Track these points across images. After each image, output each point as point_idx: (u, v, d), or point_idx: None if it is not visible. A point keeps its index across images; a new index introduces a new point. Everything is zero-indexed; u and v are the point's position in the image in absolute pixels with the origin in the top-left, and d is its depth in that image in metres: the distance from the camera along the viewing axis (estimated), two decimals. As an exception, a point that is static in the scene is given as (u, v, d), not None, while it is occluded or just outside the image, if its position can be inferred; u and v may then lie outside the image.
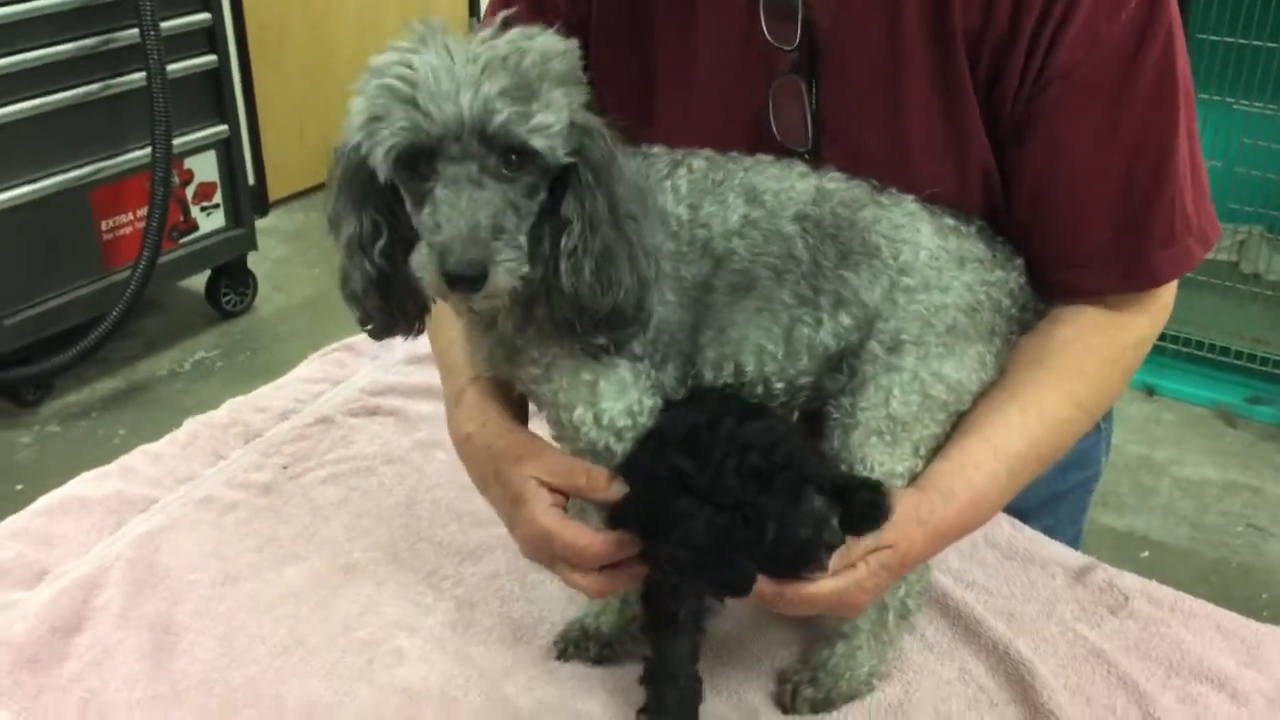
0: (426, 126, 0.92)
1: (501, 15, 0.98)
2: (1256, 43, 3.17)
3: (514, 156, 0.94)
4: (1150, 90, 1.08)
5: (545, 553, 1.10)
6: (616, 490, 1.08)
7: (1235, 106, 3.25)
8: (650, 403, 1.08)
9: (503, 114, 0.92)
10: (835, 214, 1.10)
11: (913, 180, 1.14)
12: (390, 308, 1.05)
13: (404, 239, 1.01)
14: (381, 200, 1.00)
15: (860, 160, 1.15)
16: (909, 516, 1.06)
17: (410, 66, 0.93)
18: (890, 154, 1.15)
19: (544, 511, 1.08)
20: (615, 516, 1.09)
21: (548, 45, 0.97)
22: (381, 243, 1.02)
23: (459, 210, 0.92)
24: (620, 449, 1.08)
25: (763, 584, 1.02)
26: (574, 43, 0.99)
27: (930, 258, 1.11)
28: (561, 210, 0.99)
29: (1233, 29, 3.17)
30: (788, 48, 1.15)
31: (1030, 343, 1.17)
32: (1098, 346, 1.16)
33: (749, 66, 1.17)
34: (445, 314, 1.19)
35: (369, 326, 1.08)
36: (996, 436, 1.11)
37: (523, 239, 0.95)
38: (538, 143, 0.94)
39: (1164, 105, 1.10)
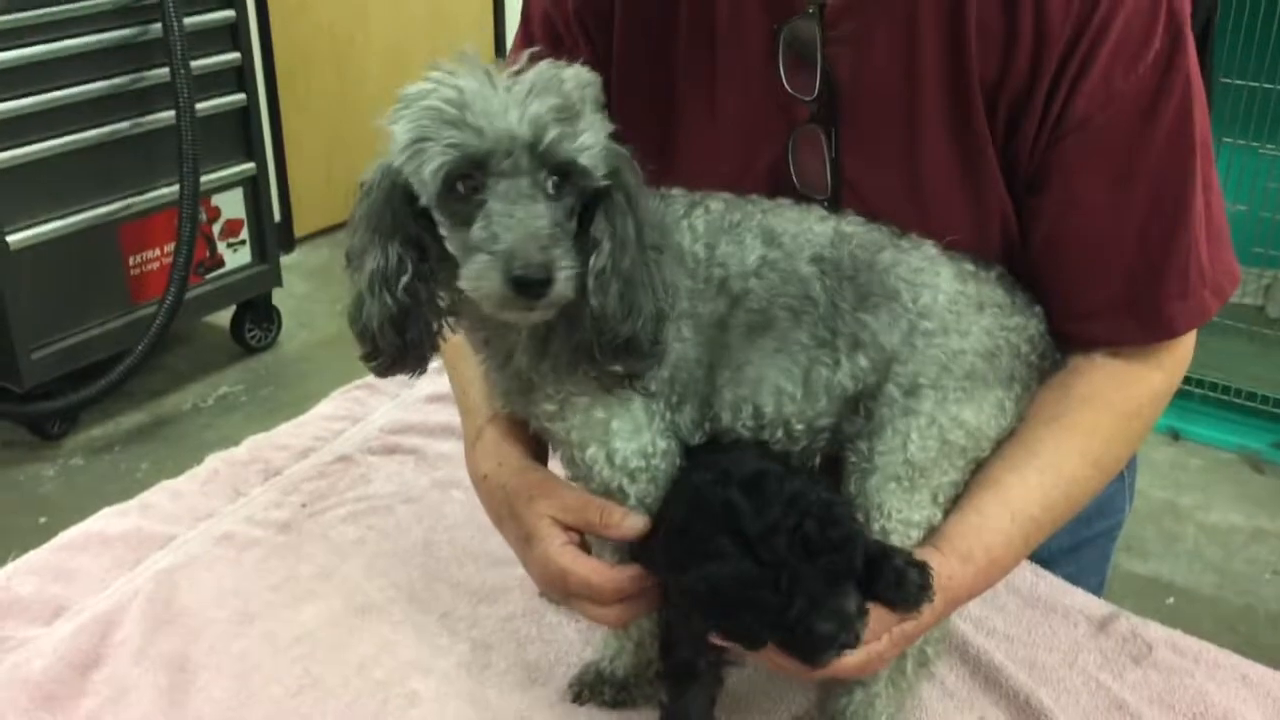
0: (478, 144, 0.93)
1: (528, 52, 1.00)
2: (1280, 87, 3.17)
3: (558, 177, 0.96)
4: (1167, 142, 1.08)
5: (560, 590, 1.10)
6: (630, 526, 1.08)
7: (1261, 151, 3.24)
8: (664, 444, 1.08)
9: (553, 131, 0.94)
10: (854, 256, 1.10)
11: (931, 228, 1.14)
12: (404, 344, 1.04)
13: (428, 274, 1.02)
14: (408, 234, 1.00)
15: (879, 208, 1.15)
16: (941, 571, 1.04)
17: (456, 89, 0.94)
18: (908, 202, 1.15)
19: (558, 550, 1.08)
20: (640, 546, 1.08)
21: (581, 74, 0.99)
22: (406, 278, 1.01)
23: (519, 220, 0.93)
24: (634, 490, 1.08)
25: (772, 651, 1.00)
26: (599, 76, 1.01)
27: (949, 302, 1.10)
28: (592, 231, 0.99)
29: (1257, 74, 3.17)
30: (807, 98, 1.15)
31: (1048, 397, 1.16)
32: (1116, 403, 1.15)
33: (768, 116, 1.18)
34: (462, 354, 1.20)
35: (375, 363, 1.07)
36: (1014, 499, 1.10)
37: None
38: (585, 160, 0.96)
39: (1180, 157, 1.09)
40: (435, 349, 1.08)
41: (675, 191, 1.13)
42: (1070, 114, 1.08)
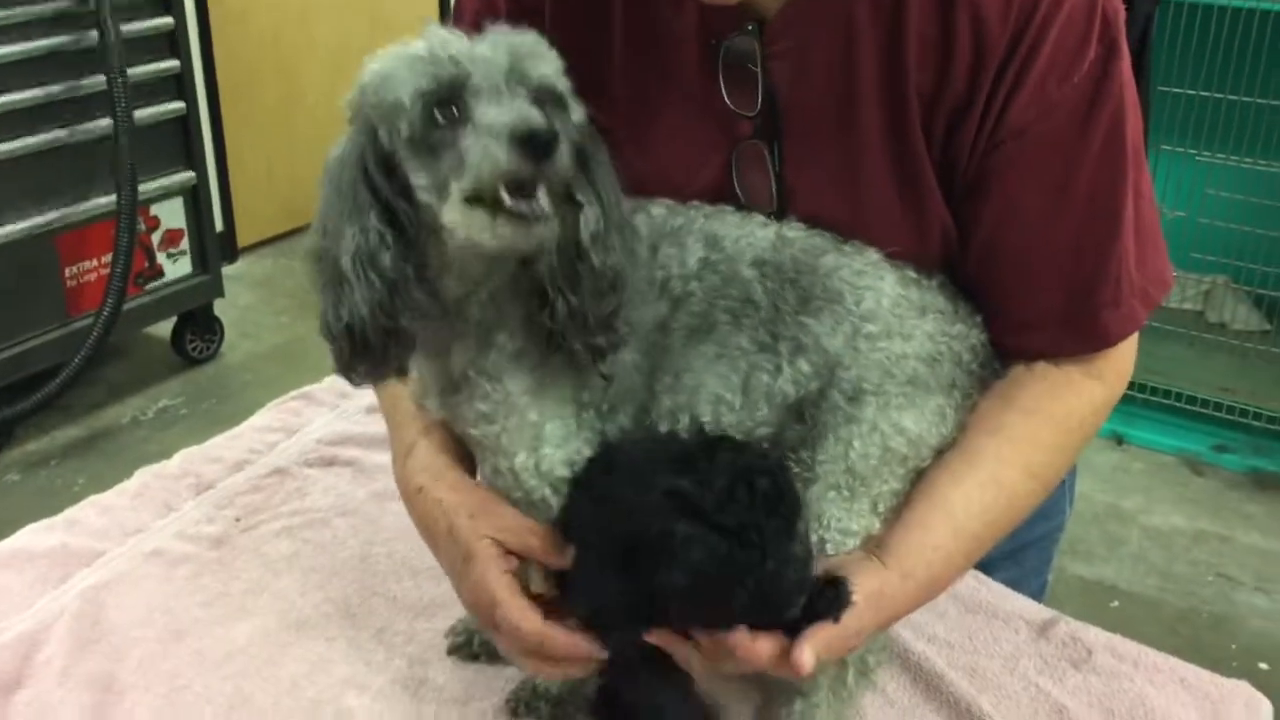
0: (454, 70, 0.93)
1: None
2: (1218, 95, 3.21)
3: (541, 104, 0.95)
4: (1101, 151, 1.08)
5: (486, 619, 1.07)
6: (569, 557, 1.05)
7: (1198, 158, 3.28)
8: (589, 454, 1.07)
9: (530, 57, 0.95)
10: (796, 260, 1.09)
11: (873, 239, 1.14)
12: (396, 331, 0.98)
13: (408, 252, 0.97)
14: (384, 206, 0.97)
15: (822, 221, 1.14)
16: (872, 597, 1.03)
17: (424, 41, 0.95)
18: (851, 215, 1.14)
19: (495, 577, 1.06)
20: (571, 573, 1.06)
21: (540, 42, 0.99)
22: (389, 254, 0.96)
23: (506, 109, 0.91)
24: (556, 502, 1.06)
25: (730, 639, 0.99)
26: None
27: (893, 305, 1.10)
28: (577, 195, 0.98)
29: (1194, 82, 3.21)
30: (749, 114, 1.14)
31: (989, 408, 1.15)
32: (1057, 416, 1.15)
33: (710, 133, 1.17)
34: None
35: (358, 367, 1.01)
36: (957, 514, 1.09)
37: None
38: (563, 88, 0.97)
39: (1114, 166, 1.09)
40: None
41: None
42: (1006, 122, 1.07)
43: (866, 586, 1.02)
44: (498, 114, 0.91)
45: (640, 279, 1.06)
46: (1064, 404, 1.15)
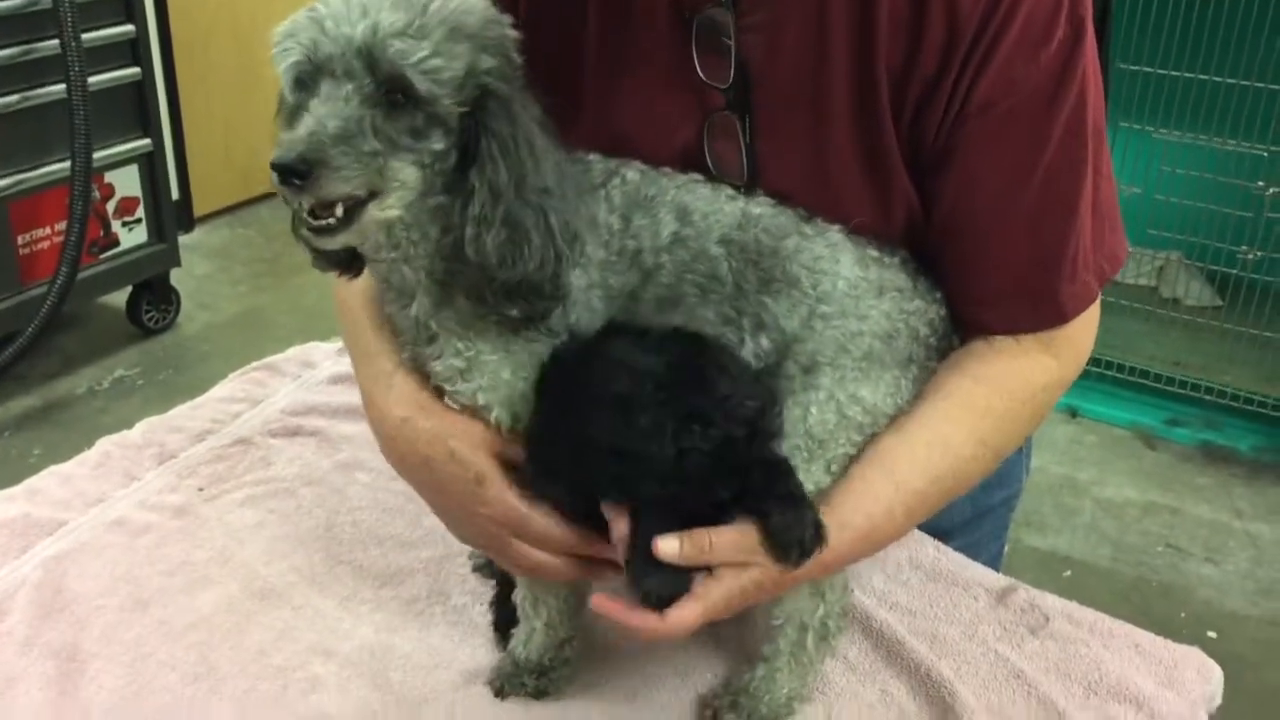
0: (321, 45, 0.96)
1: None
2: (1175, 73, 3.24)
3: (400, 95, 0.97)
4: (1064, 130, 1.10)
5: (510, 531, 1.09)
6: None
7: (1154, 135, 3.32)
8: None
9: (391, 43, 0.95)
10: (759, 241, 1.11)
11: (838, 211, 1.15)
12: (321, 251, 1.08)
13: None
14: None
15: (791, 193, 1.15)
16: None
17: None
18: (818, 187, 1.15)
19: (518, 495, 1.08)
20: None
21: (470, 3, 1.00)
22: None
23: (313, 115, 0.95)
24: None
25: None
26: (507, 18, 1.03)
27: (849, 287, 1.12)
28: (469, 178, 1.00)
29: (1152, 59, 3.24)
30: (721, 86, 1.15)
31: (944, 375, 1.17)
32: (1011, 388, 1.17)
33: (682, 103, 1.17)
34: (365, 297, 1.18)
35: (312, 261, 1.11)
36: (899, 470, 1.11)
37: (403, 176, 0.98)
38: (417, 80, 0.97)
39: (1075, 145, 1.11)
40: (356, 257, 1.10)
41: (592, 157, 1.13)
42: (973, 98, 1.09)
43: None
44: (302, 120, 0.95)
45: (595, 261, 1.08)
46: (1018, 376, 1.17)
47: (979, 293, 1.17)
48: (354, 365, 1.23)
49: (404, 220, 1.02)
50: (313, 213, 0.97)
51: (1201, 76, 3.22)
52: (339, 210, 0.97)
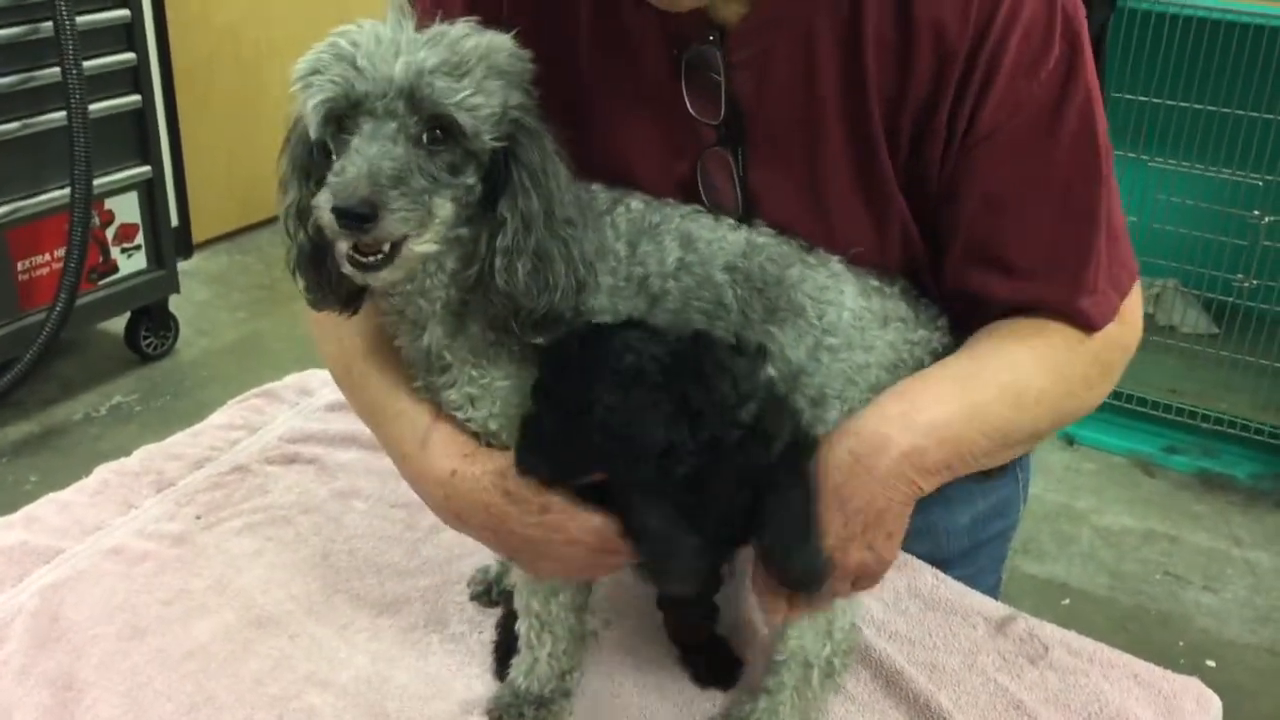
0: (357, 83, 0.97)
1: (462, 21, 1.03)
2: (1170, 102, 3.26)
3: (439, 131, 0.98)
4: (1072, 145, 1.10)
5: (598, 554, 1.09)
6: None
7: (1150, 164, 3.33)
8: None
9: (433, 81, 0.96)
10: (763, 269, 1.11)
11: (835, 241, 1.15)
12: (322, 282, 1.08)
13: None
14: (322, 173, 1.01)
15: (787, 224, 1.16)
16: (887, 416, 1.06)
17: (360, 30, 0.99)
18: (814, 217, 1.16)
19: (582, 514, 1.07)
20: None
21: (497, 41, 1.02)
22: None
23: (364, 156, 0.95)
24: None
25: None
26: (527, 52, 1.04)
27: (854, 318, 1.12)
28: (498, 209, 1.02)
29: (1147, 89, 3.26)
30: (712, 122, 1.15)
31: (999, 327, 1.15)
32: (1070, 334, 1.15)
33: (676, 138, 1.18)
34: (377, 357, 1.18)
35: (308, 297, 1.10)
36: (960, 375, 1.12)
37: (442, 213, 0.99)
38: (462, 118, 0.98)
39: (1086, 159, 1.11)
40: (361, 291, 1.10)
41: (595, 187, 1.14)
42: (978, 126, 1.09)
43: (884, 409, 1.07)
44: (352, 160, 0.96)
45: (604, 287, 1.09)
46: (1075, 333, 1.15)
47: (1007, 309, 1.16)
48: (372, 423, 1.21)
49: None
50: (357, 249, 0.98)
51: (1197, 106, 3.24)
52: (385, 246, 0.98)
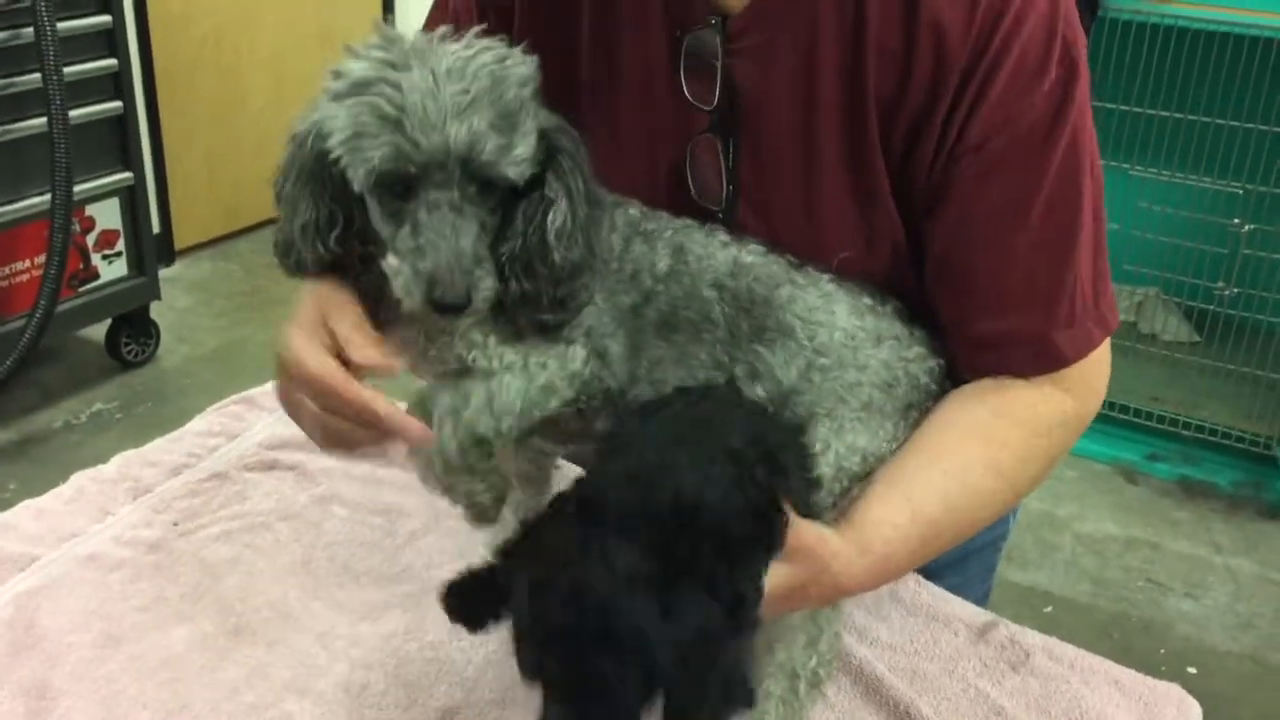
0: (412, 154, 0.97)
1: (472, 30, 1.03)
2: (1151, 111, 3.28)
3: (489, 184, 1.00)
4: (1059, 170, 1.09)
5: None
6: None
7: (1131, 172, 3.35)
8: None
9: (489, 149, 0.98)
10: (751, 290, 1.11)
11: (823, 244, 1.15)
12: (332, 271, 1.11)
13: (361, 232, 1.07)
14: (340, 193, 1.04)
15: (773, 220, 1.15)
16: (838, 555, 1.02)
17: (397, 87, 0.97)
18: (802, 215, 1.16)
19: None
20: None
21: (521, 72, 1.02)
22: (338, 231, 1.07)
23: (444, 237, 0.98)
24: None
25: None
26: (534, 60, 1.04)
27: (846, 337, 1.12)
28: (545, 190, 1.04)
29: (1128, 98, 3.28)
30: (706, 107, 1.15)
31: (957, 405, 1.15)
32: (1026, 420, 1.15)
33: (669, 123, 1.18)
34: None
35: (298, 272, 1.11)
36: (916, 496, 1.08)
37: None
38: (511, 173, 1.00)
39: (1071, 187, 1.11)
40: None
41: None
42: (967, 137, 1.09)
43: (832, 546, 1.01)
44: (430, 241, 0.98)
45: (612, 265, 1.11)
46: (1033, 411, 1.15)
47: (975, 335, 1.16)
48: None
49: None
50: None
51: (1178, 115, 3.26)
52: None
